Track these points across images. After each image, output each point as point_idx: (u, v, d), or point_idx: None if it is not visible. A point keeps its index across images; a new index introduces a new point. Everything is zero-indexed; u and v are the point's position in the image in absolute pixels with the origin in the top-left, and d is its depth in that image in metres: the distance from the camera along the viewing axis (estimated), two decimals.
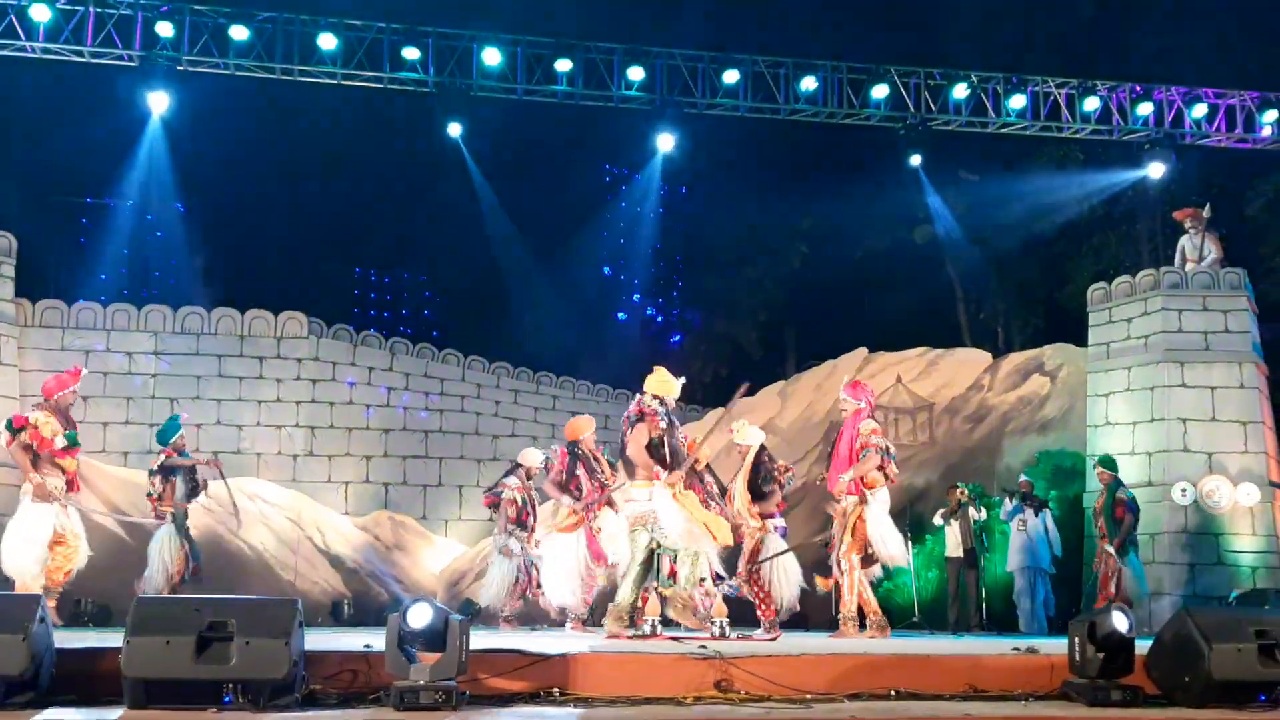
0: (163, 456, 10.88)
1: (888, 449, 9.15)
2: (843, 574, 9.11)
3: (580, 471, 10.21)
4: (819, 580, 9.56)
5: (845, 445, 9.15)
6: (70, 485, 9.46)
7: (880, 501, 9.12)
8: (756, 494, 9.76)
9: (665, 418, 8.35)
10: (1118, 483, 12.41)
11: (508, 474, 12.19)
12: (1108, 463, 12.68)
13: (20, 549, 9.14)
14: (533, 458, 11.97)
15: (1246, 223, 19.90)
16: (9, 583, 9.20)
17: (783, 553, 9.78)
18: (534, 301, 25.97)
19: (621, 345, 27.12)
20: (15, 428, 9.22)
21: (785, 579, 9.72)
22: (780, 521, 10.31)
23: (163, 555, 10.56)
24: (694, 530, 8.19)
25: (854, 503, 9.07)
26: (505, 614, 11.64)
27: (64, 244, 21.51)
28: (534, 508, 11.91)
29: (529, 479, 11.94)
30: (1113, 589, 12.00)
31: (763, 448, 10.06)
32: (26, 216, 17.44)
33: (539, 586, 11.18)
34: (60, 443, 9.28)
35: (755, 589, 9.85)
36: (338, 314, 18.28)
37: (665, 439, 8.24)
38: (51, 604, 9.30)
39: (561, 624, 10.70)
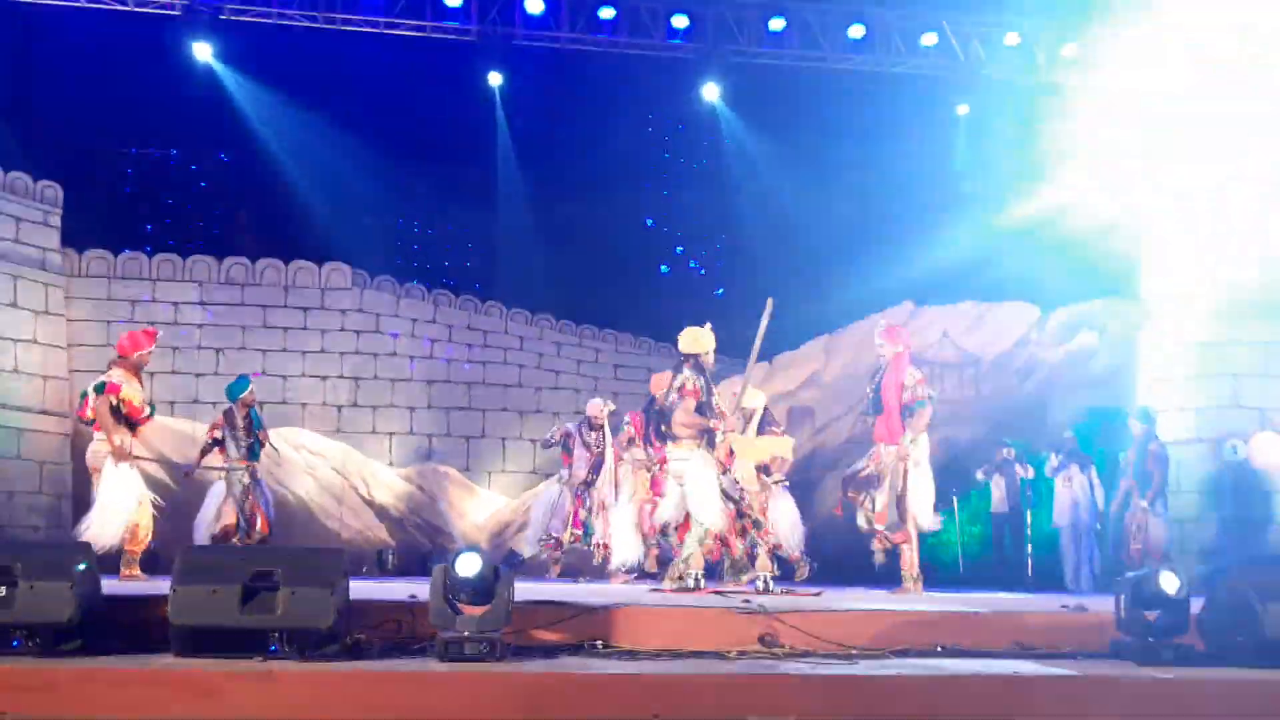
0: (221, 418, 10.96)
1: (931, 397, 9.05)
2: (901, 530, 9.02)
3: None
4: (876, 545, 9.37)
5: (893, 394, 8.95)
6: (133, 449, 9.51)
7: (923, 450, 9.03)
8: None
9: (703, 382, 8.55)
10: (1150, 435, 12.24)
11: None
12: (1143, 415, 12.52)
13: (109, 515, 9.10)
14: (592, 407, 12.06)
15: None
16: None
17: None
18: (577, 253, 25.84)
19: (664, 298, 26.89)
20: (108, 391, 9.24)
21: (791, 532, 10.23)
22: (784, 480, 10.47)
23: (205, 512, 10.71)
24: (710, 504, 8.31)
25: (894, 454, 8.95)
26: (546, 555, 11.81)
27: (110, 194, 21.59)
28: (574, 450, 11.94)
29: (590, 428, 11.96)
30: (1139, 544, 11.92)
31: (765, 409, 10.15)
32: (73, 166, 17.49)
33: (578, 537, 11.40)
34: (146, 411, 9.34)
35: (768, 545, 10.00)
36: (381, 265, 18.31)
37: (704, 400, 8.45)
38: (133, 571, 9.31)
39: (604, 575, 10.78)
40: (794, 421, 15.37)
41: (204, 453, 10.88)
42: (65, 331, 14.77)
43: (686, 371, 8.63)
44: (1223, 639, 5.68)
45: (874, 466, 9.06)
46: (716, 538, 8.63)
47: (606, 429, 11.95)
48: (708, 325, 8.99)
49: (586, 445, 11.90)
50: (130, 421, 9.30)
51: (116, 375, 9.33)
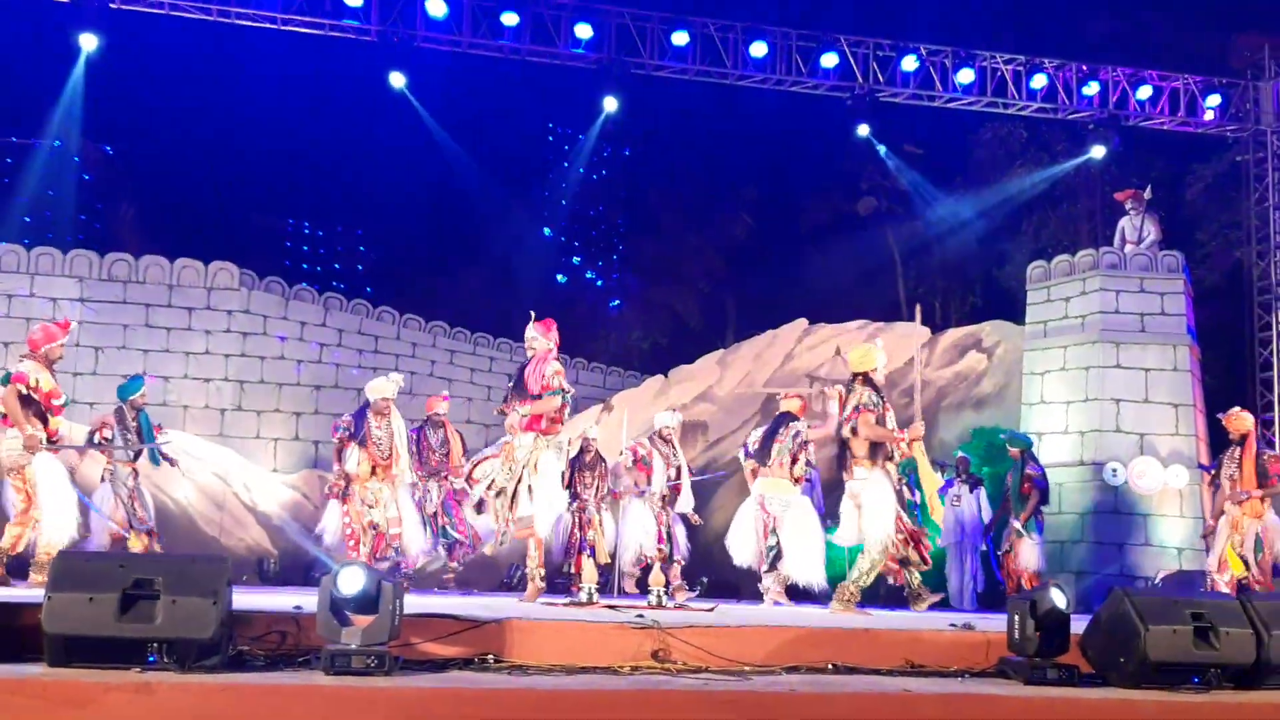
0: (112, 416, 10.63)
1: (565, 390, 8.56)
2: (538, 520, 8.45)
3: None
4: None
5: (535, 383, 8.49)
6: (52, 442, 8.97)
7: (557, 448, 8.62)
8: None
9: (877, 398, 8.70)
10: (1026, 458, 12.49)
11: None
12: (1016, 440, 12.81)
13: (52, 504, 8.59)
14: (665, 418, 11.94)
15: (1185, 206, 20.16)
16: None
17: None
18: (473, 260, 25.69)
19: (560, 308, 26.87)
20: (15, 381, 8.79)
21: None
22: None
23: (101, 512, 10.34)
24: (885, 524, 8.52)
25: (532, 440, 8.45)
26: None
27: None
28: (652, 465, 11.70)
29: (664, 440, 11.79)
30: (1013, 565, 12.21)
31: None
32: None
33: (664, 554, 11.38)
34: (59, 400, 8.89)
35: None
36: (270, 266, 17.93)
37: (881, 416, 8.67)
38: None
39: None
40: (687, 435, 15.36)
41: (89, 447, 10.51)
42: None
43: (859, 388, 8.71)
44: (1105, 660, 5.76)
45: (505, 459, 8.60)
46: (893, 559, 8.74)
47: (676, 441, 11.80)
48: (879, 341, 9.14)
49: (665, 459, 11.62)
50: (43, 413, 8.83)
51: (27, 366, 8.91)
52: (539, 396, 8.40)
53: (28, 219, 22.04)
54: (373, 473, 10.34)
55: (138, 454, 10.60)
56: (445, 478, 11.44)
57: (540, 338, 8.68)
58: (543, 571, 8.60)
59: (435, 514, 11.45)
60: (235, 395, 16.07)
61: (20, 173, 21.27)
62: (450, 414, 17.01)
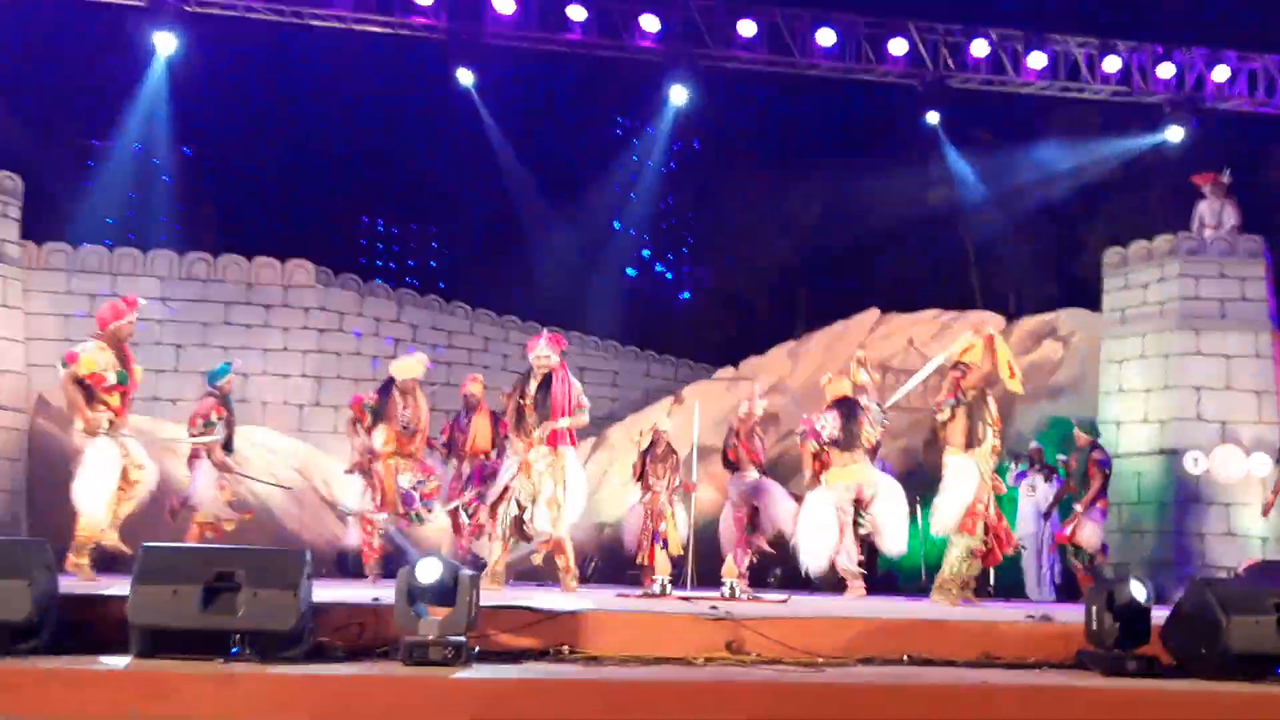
0: (209, 400, 10.90)
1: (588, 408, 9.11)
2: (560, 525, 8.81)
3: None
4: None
5: (566, 401, 8.80)
6: (113, 423, 8.83)
7: (578, 458, 9.04)
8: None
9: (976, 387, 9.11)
10: (1094, 445, 12.32)
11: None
12: (1089, 427, 12.63)
13: (91, 488, 8.61)
14: (749, 407, 11.94)
15: (1266, 189, 19.71)
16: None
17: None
18: (543, 254, 25.77)
19: (630, 300, 26.94)
20: (67, 362, 8.82)
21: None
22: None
23: (201, 486, 10.69)
24: (952, 511, 8.80)
25: (546, 452, 8.76)
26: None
27: (70, 186, 21.32)
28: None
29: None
30: (1067, 533, 12.05)
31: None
32: (32, 157, 17.22)
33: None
34: (110, 379, 8.86)
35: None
36: (345, 263, 18.14)
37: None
38: (81, 561, 8.71)
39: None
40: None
41: (204, 430, 10.76)
42: (23, 324, 14.55)
43: (951, 375, 9.29)
44: (1187, 651, 5.69)
45: (523, 473, 8.86)
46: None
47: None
48: (990, 335, 9.51)
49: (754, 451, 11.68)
50: (102, 397, 8.83)
51: (86, 346, 8.92)
52: (569, 412, 8.77)
53: (110, 220, 22.46)
54: (395, 451, 10.72)
55: (227, 442, 10.89)
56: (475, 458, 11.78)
57: (554, 355, 8.93)
58: (576, 572, 9.04)
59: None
60: (313, 391, 16.30)
61: (101, 175, 21.69)
62: None
